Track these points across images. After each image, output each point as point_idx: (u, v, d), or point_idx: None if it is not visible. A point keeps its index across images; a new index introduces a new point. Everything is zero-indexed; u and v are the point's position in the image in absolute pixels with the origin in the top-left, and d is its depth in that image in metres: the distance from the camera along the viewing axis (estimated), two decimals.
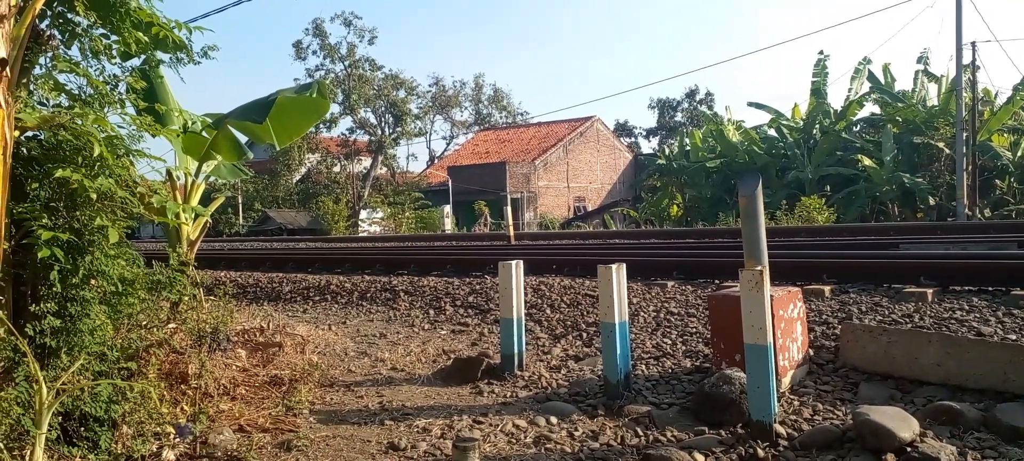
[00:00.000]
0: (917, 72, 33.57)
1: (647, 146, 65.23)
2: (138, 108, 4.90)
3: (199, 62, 5.35)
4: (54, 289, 3.58)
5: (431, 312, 8.19)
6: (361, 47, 43.38)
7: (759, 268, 4.08)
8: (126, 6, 4.31)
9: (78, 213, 3.81)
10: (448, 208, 39.89)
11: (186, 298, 5.51)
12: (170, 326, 5.32)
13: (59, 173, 3.57)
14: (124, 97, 4.56)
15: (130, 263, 4.46)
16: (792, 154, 34.04)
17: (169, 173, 6.54)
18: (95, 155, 3.67)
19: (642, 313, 6.93)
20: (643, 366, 5.53)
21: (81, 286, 3.75)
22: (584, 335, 6.62)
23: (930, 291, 6.40)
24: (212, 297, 5.95)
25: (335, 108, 42.29)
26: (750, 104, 60.06)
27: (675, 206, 39.62)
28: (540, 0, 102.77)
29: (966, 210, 25.49)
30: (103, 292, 4.03)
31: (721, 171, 36.05)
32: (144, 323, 4.85)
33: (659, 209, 39.60)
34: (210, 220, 6.98)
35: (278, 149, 8.58)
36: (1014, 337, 5.04)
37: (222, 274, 12.25)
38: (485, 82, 56.26)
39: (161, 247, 14.94)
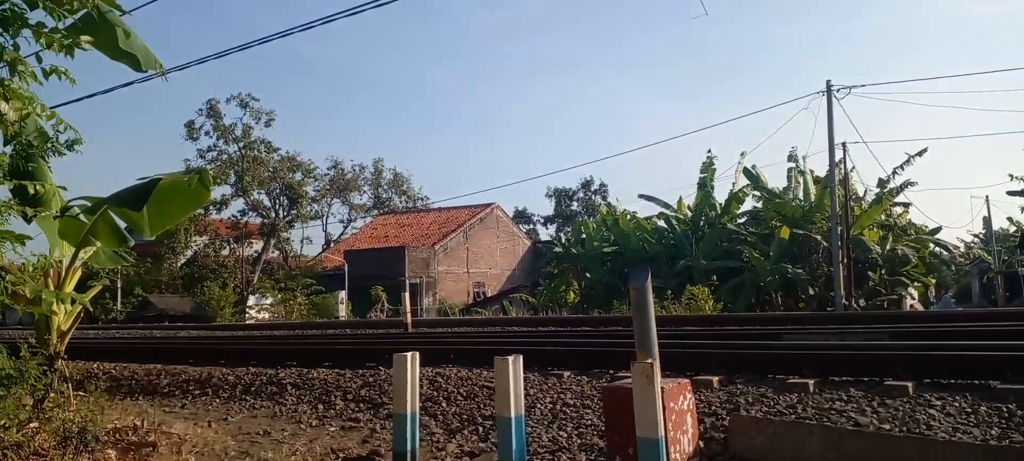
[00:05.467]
0: (790, 169, 35.93)
1: (545, 233, 66.49)
2: (9, 189, 4.61)
3: (64, 154, 5.11)
4: None
5: (320, 407, 7.89)
6: (257, 129, 42.53)
7: (649, 361, 4.16)
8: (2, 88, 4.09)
9: None
10: (343, 293, 38.93)
11: (52, 394, 5.10)
12: (32, 425, 4.90)
13: None
14: None
15: None
16: (681, 244, 35.51)
17: (42, 259, 6.12)
18: None
19: (539, 405, 6.90)
20: None
21: None
22: (480, 429, 6.51)
23: (812, 381, 6.65)
24: (82, 393, 5.54)
25: (227, 190, 41.09)
26: (641, 196, 62.61)
27: (572, 292, 40.27)
28: (440, 91, 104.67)
29: (843, 300, 27.08)
30: None
31: (615, 259, 37.10)
32: (1, 423, 4.45)
33: (557, 295, 40.15)
34: (85, 307, 6.54)
35: (150, 238, 8.19)
36: (888, 427, 5.30)
37: (95, 366, 11.45)
38: (385, 166, 56.19)
39: (29, 334, 13.87)
